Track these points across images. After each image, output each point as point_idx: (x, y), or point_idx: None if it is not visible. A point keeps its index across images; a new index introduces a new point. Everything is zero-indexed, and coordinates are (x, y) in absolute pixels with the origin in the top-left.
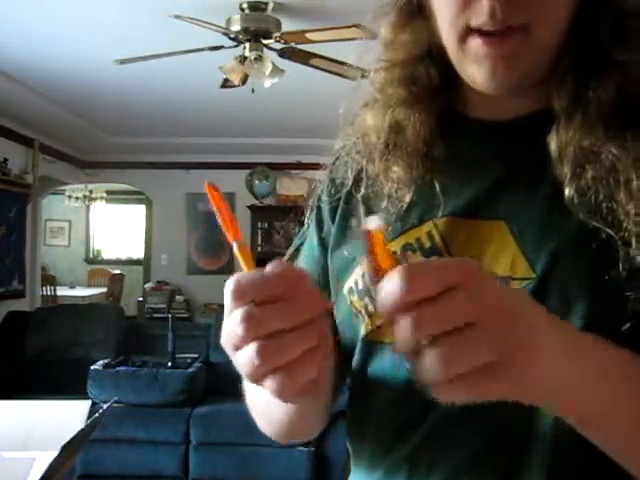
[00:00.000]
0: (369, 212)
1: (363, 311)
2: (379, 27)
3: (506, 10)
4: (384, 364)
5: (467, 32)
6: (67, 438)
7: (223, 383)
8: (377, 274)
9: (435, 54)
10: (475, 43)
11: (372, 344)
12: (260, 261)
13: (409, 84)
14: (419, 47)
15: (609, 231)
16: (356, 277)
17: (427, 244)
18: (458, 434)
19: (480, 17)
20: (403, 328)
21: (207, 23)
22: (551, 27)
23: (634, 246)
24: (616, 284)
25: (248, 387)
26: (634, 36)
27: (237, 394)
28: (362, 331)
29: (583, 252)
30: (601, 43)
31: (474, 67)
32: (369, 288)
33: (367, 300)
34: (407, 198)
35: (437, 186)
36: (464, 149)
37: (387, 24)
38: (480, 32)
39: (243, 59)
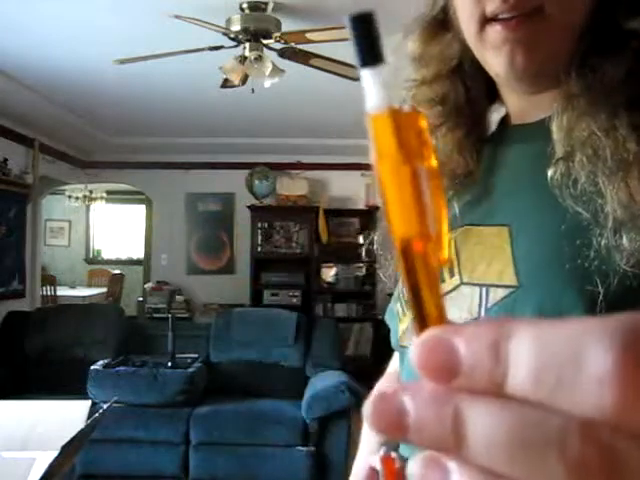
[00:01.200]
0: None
1: (396, 317)
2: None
3: None
4: (406, 366)
5: (485, 21)
6: (67, 438)
7: (223, 383)
8: None
9: (466, 63)
10: (493, 30)
11: (401, 348)
12: (259, 261)
13: (439, 103)
14: (449, 60)
15: (589, 217)
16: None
17: None
18: None
19: (494, 2)
20: None
21: (207, 23)
22: (567, 6)
23: (609, 232)
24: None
25: None
26: None
27: (237, 394)
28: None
29: (569, 257)
30: (618, 26)
31: (494, 56)
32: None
33: (398, 306)
34: None
35: (456, 204)
36: (485, 157)
37: (415, 39)
38: (497, 20)
39: (243, 59)
